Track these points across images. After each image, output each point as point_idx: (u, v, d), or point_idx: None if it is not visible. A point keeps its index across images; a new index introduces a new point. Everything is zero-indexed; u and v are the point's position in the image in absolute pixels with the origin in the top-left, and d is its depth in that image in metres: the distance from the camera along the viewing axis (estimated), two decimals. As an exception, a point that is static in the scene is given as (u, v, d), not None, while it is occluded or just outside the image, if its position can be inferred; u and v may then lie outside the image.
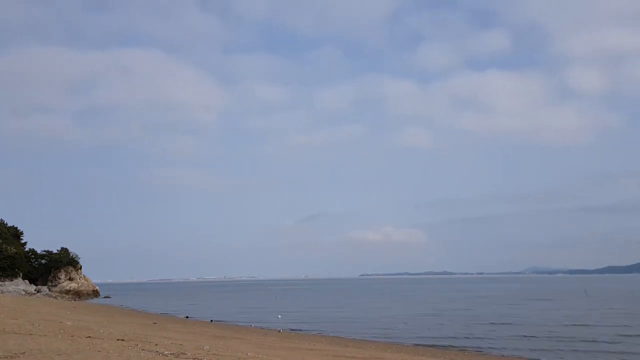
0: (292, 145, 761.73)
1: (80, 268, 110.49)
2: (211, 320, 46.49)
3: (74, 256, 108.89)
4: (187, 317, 51.75)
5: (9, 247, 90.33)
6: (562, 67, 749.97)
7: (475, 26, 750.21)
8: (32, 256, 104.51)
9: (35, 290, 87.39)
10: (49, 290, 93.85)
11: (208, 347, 18.87)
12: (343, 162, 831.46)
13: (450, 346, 30.27)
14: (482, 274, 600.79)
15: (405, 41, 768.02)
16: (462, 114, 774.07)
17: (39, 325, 22.78)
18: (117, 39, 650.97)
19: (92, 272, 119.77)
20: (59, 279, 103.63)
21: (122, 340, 18.70)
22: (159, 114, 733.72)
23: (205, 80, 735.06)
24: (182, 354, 15.67)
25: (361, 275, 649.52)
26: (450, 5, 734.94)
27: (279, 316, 48.27)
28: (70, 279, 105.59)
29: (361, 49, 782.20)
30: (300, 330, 39.60)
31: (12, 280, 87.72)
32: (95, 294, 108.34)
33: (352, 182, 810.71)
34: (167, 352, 15.58)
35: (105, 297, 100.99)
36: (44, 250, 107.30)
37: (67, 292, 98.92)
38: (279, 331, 37.55)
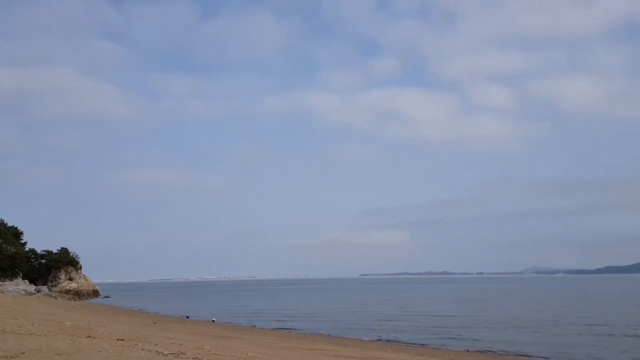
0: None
1: (80, 268, 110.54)
2: (213, 320, 46.47)
3: (74, 256, 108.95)
4: (187, 317, 51.76)
5: (9, 247, 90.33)
6: (460, 85, 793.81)
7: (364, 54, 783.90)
8: (32, 256, 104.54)
9: (35, 290, 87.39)
10: (49, 290, 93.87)
11: (208, 347, 18.87)
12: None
13: (449, 346, 30.31)
14: (482, 274, 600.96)
15: (307, 66, 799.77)
16: (387, 125, 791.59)
17: (39, 325, 22.78)
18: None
19: (92, 272, 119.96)
20: (59, 279, 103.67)
21: (122, 340, 18.70)
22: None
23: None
24: (182, 354, 15.67)
25: (361, 275, 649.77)
26: (338, 36, 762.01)
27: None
28: (70, 279, 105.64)
29: (271, 72, 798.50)
30: (300, 330, 39.61)
31: (12, 280, 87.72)
32: (95, 294, 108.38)
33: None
34: (167, 352, 15.57)
35: (105, 297, 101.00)
36: (44, 250, 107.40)
37: (67, 292, 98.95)
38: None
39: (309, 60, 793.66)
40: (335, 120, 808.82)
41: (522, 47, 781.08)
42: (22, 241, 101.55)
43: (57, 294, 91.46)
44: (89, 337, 19.00)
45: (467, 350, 28.66)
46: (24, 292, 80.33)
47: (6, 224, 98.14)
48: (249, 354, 18.42)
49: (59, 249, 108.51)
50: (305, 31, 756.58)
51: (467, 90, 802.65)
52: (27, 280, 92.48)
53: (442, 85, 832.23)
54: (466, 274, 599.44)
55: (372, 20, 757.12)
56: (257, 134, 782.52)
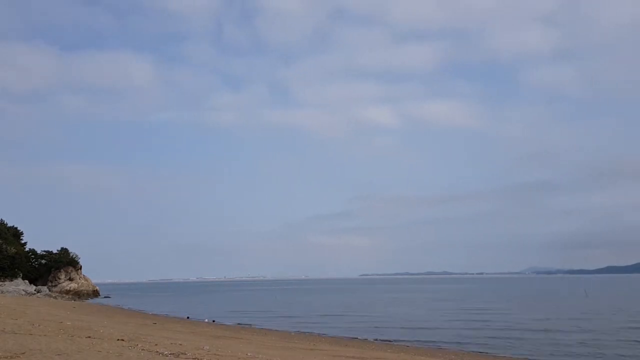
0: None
1: (80, 268, 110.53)
2: (213, 321, 46.46)
3: (74, 256, 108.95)
4: (187, 317, 51.75)
5: (9, 247, 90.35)
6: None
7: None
8: (32, 256, 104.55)
9: (35, 290, 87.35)
10: (49, 290, 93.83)
11: (208, 347, 18.88)
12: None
13: (448, 346, 30.31)
14: (482, 274, 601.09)
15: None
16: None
17: (39, 325, 22.79)
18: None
19: (92, 272, 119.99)
20: (59, 279, 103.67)
21: (122, 340, 18.71)
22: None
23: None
24: (182, 354, 15.68)
25: (361, 275, 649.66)
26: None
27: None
28: (70, 279, 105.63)
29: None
30: (300, 330, 39.61)
31: (12, 280, 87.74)
32: (95, 294, 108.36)
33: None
34: (167, 352, 15.58)
35: (105, 297, 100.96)
36: (44, 250, 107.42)
37: (67, 292, 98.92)
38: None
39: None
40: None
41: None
42: (22, 241, 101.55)
43: (57, 294, 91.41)
44: (89, 337, 19.01)
45: (467, 351, 28.68)
46: (24, 293, 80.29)
47: (6, 224, 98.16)
48: (249, 354, 18.42)
49: (59, 249, 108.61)
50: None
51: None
52: (27, 281, 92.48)
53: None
54: (466, 274, 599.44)
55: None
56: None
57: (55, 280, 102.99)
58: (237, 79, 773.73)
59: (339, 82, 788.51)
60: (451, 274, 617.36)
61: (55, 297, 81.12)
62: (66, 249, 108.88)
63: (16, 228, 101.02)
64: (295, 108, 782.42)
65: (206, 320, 47.75)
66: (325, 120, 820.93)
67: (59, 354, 13.42)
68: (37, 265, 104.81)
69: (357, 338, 34.18)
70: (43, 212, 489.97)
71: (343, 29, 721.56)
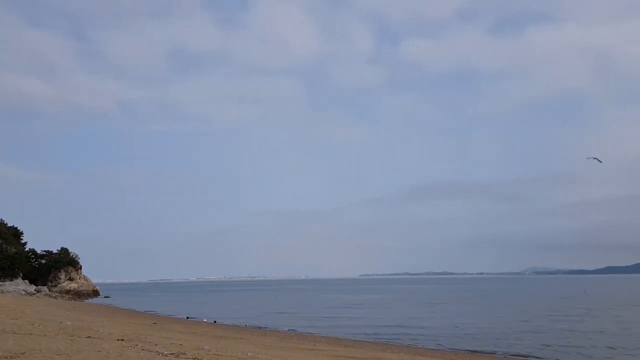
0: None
1: (80, 268, 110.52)
2: (214, 321, 46.44)
3: (74, 256, 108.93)
4: (187, 317, 51.73)
5: (9, 247, 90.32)
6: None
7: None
8: (32, 256, 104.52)
9: (35, 290, 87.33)
10: (49, 290, 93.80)
11: (208, 347, 18.87)
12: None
13: (448, 347, 30.32)
14: (482, 274, 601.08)
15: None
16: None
17: (39, 326, 22.78)
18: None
19: (92, 272, 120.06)
20: (59, 279, 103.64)
21: (122, 340, 18.70)
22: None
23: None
24: (182, 354, 15.68)
25: (361, 275, 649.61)
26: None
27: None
28: (70, 279, 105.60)
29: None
30: (300, 330, 39.60)
31: (12, 280, 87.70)
32: (95, 294, 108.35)
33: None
34: (167, 352, 15.58)
35: (105, 297, 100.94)
36: (44, 250, 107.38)
37: (67, 292, 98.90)
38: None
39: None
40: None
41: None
42: (22, 241, 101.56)
43: (57, 294, 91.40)
44: (89, 337, 19.00)
45: (467, 351, 28.68)
46: (24, 293, 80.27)
47: (6, 224, 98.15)
48: (249, 354, 18.42)
49: (59, 249, 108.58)
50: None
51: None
52: (27, 281, 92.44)
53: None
54: (466, 274, 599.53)
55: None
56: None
57: (55, 280, 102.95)
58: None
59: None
60: (451, 274, 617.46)
61: (55, 297, 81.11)
62: (66, 249, 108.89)
63: (16, 228, 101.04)
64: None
65: (205, 320, 47.74)
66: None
67: (59, 354, 13.41)
68: (37, 265, 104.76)
69: (357, 338, 34.20)
70: (43, 212, 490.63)
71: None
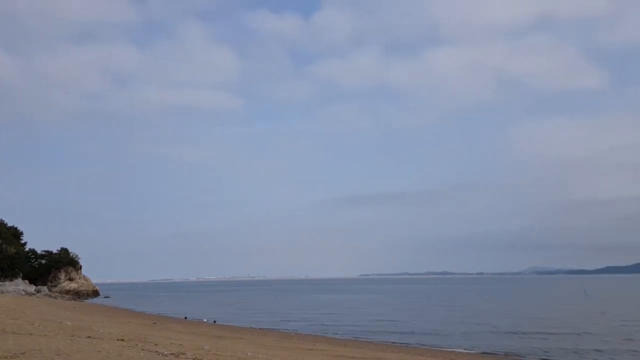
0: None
1: (80, 268, 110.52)
2: (214, 321, 46.43)
3: (74, 256, 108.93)
4: (185, 317, 51.66)
5: (9, 247, 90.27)
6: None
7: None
8: (32, 256, 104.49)
9: (35, 290, 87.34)
10: (49, 290, 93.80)
11: (208, 347, 18.88)
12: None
13: (446, 346, 30.32)
14: (482, 274, 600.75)
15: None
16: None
17: (39, 326, 22.79)
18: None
19: (92, 272, 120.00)
20: (59, 279, 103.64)
21: (122, 340, 18.71)
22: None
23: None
24: (182, 354, 15.69)
25: (361, 275, 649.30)
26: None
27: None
28: (70, 279, 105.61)
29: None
30: (300, 330, 39.61)
31: (12, 280, 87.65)
32: (95, 294, 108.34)
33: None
34: (167, 352, 15.59)
35: (105, 297, 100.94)
36: (44, 250, 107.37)
37: (67, 292, 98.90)
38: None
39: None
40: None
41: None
42: (22, 241, 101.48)
43: (57, 294, 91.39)
44: (89, 337, 19.01)
45: (467, 351, 28.68)
46: (23, 293, 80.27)
47: (6, 224, 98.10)
48: (248, 354, 18.43)
49: (59, 249, 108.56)
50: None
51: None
52: (27, 281, 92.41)
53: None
54: (466, 274, 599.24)
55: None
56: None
57: (55, 280, 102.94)
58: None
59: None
60: (451, 274, 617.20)
61: (55, 297, 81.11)
62: (66, 249, 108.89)
63: (16, 228, 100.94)
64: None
65: (205, 320, 47.73)
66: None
67: (59, 354, 13.42)
68: (37, 265, 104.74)
69: (357, 338, 34.21)
70: (43, 212, 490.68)
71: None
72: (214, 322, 46.11)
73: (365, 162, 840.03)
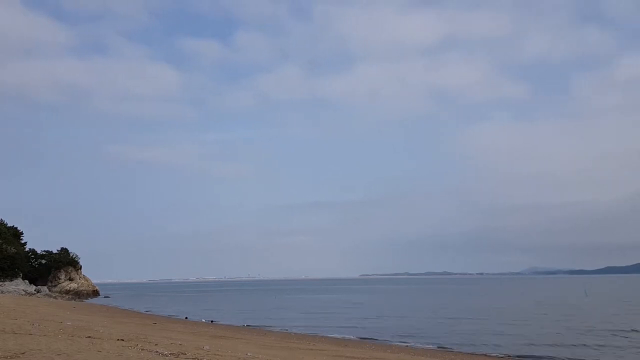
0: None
1: (80, 268, 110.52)
2: (211, 321, 46.45)
3: (73, 256, 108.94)
4: (186, 317, 51.70)
5: (9, 247, 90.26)
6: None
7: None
8: (32, 256, 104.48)
9: (35, 290, 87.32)
10: (49, 290, 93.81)
11: (208, 347, 18.88)
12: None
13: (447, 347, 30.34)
14: (482, 274, 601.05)
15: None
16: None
17: (39, 326, 22.78)
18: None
19: (92, 272, 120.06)
20: (59, 279, 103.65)
21: (122, 340, 18.70)
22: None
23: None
24: (182, 354, 15.68)
25: (361, 275, 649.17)
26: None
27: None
28: (70, 279, 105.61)
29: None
30: (300, 330, 39.61)
31: (12, 280, 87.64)
32: (95, 294, 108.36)
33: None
34: (167, 352, 15.58)
35: (105, 297, 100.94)
36: (44, 250, 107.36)
37: (67, 292, 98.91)
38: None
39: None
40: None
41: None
42: (22, 241, 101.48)
43: (57, 294, 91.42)
44: (89, 337, 19.00)
45: (467, 352, 28.69)
46: (23, 293, 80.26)
47: (6, 224, 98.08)
48: (248, 354, 18.43)
49: (59, 249, 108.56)
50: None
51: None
52: (27, 281, 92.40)
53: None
54: (466, 274, 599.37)
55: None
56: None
57: (55, 280, 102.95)
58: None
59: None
60: (451, 274, 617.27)
61: (55, 297, 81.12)
62: (66, 249, 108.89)
63: (16, 228, 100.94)
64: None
65: (204, 320, 47.75)
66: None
67: (59, 354, 13.42)
68: (37, 265, 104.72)
69: (357, 338, 34.22)
70: (43, 212, 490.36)
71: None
72: (211, 321, 46.16)
73: (316, 169, 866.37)
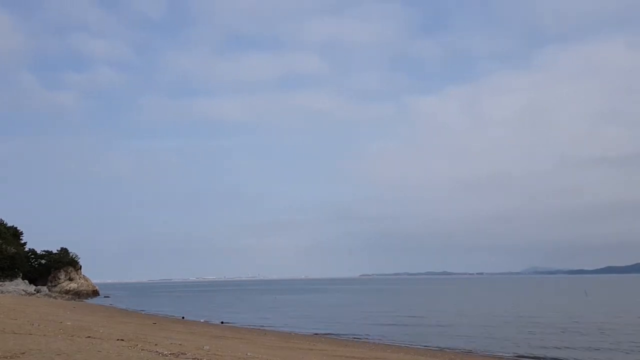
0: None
1: (80, 268, 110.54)
2: (207, 321, 46.42)
3: (73, 256, 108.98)
4: (182, 317, 51.58)
5: (9, 247, 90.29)
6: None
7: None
8: (32, 256, 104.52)
9: (35, 290, 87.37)
10: (49, 290, 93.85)
11: (208, 347, 18.87)
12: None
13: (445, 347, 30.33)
14: (482, 274, 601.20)
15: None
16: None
17: (39, 325, 22.76)
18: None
19: (92, 272, 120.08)
20: (59, 279, 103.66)
21: (122, 340, 18.69)
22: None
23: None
24: (182, 354, 15.67)
25: (361, 275, 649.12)
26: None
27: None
28: (70, 279, 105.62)
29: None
30: (300, 330, 39.61)
31: (12, 280, 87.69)
32: (95, 294, 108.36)
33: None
34: (167, 352, 15.57)
35: (105, 297, 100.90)
36: (44, 250, 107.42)
37: (67, 292, 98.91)
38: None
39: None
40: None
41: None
42: (22, 241, 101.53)
43: (56, 294, 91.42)
44: (89, 337, 18.99)
45: (467, 351, 28.68)
46: (23, 292, 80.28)
47: (6, 224, 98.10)
48: (248, 354, 18.42)
49: (59, 249, 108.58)
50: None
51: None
52: (27, 281, 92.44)
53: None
54: (466, 274, 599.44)
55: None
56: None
57: (55, 280, 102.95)
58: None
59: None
60: (451, 274, 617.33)
61: (55, 297, 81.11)
62: (66, 249, 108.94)
63: (16, 228, 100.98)
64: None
65: (203, 320, 47.73)
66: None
67: (59, 354, 13.40)
68: (37, 265, 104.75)
69: (357, 338, 34.21)
70: (43, 212, 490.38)
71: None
72: (206, 321, 46.17)
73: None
